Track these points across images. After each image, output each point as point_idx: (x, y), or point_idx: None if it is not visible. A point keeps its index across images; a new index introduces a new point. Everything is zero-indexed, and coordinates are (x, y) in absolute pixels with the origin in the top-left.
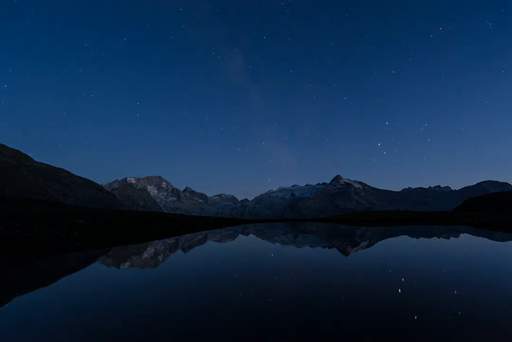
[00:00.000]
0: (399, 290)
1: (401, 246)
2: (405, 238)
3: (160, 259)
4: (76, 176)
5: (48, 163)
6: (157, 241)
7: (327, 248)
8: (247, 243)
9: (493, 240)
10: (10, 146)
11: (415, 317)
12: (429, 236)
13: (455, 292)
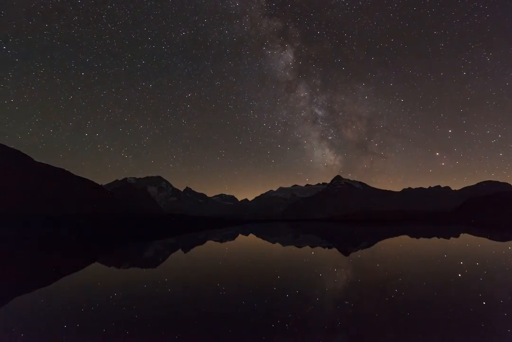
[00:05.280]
0: (400, 292)
1: (401, 247)
2: (405, 238)
3: (160, 259)
4: (76, 176)
5: (48, 163)
6: (157, 241)
7: (327, 248)
8: (247, 243)
9: (493, 240)
10: (10, 146)
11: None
12: (429, 237)
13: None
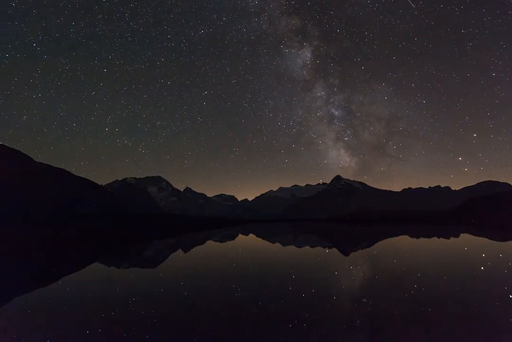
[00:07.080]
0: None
1: (401, 247)
2: (404, 238)
3: (160, 259)
4: (77, 176)
5: (48, 163)
6: (157, 241)
7: (326, 249)
8: (247, 244)
9: (493, 240)
10: (10, 146)
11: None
12: (429, 237)
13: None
